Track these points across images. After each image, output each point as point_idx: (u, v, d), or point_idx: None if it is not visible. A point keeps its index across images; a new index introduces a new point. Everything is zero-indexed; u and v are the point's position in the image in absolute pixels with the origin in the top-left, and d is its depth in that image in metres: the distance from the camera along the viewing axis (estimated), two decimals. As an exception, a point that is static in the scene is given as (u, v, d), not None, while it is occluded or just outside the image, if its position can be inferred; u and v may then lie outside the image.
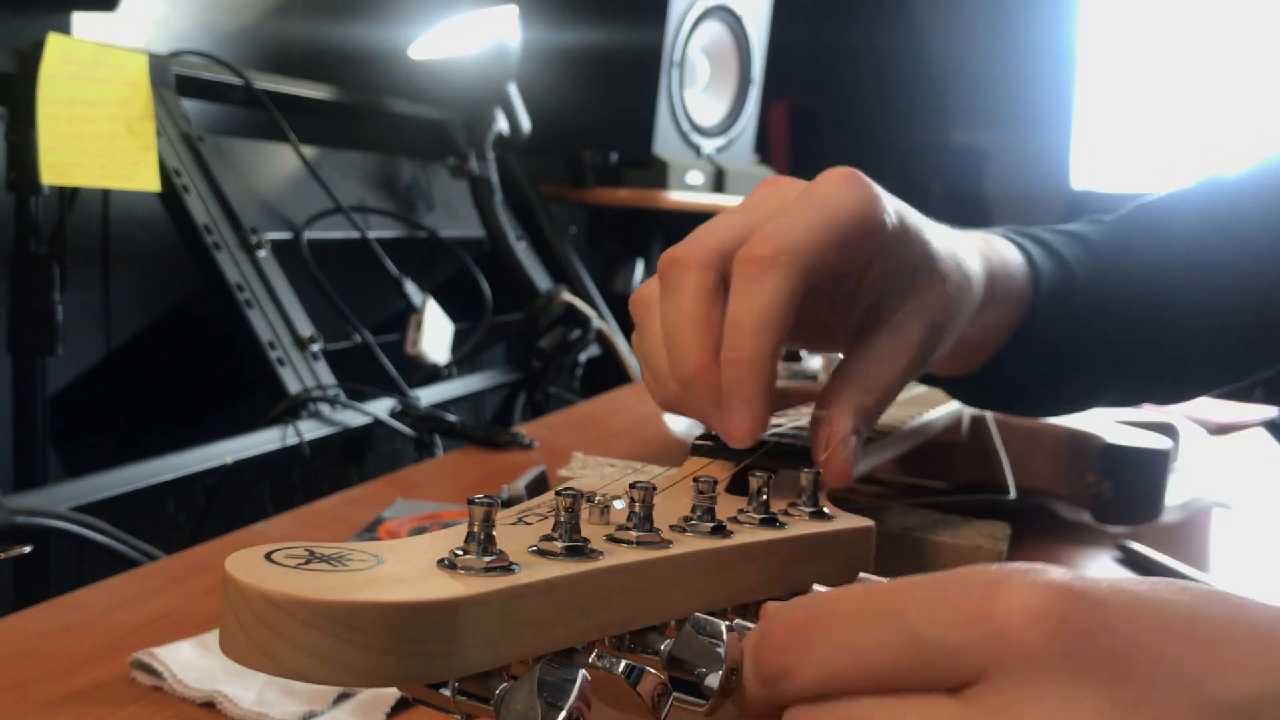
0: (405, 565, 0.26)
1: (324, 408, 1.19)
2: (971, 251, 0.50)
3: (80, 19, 1.42)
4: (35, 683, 0.46)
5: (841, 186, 0.42)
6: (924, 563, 0.48)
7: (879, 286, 0.44)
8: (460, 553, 0.27)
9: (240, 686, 0.45)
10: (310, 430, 1.15)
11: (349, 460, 1.23)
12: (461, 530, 0.28)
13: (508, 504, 0.32)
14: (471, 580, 0.26)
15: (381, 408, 1.22)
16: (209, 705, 0.45)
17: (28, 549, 0.81)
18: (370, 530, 0.66)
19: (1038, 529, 0.68)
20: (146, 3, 1.65)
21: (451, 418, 1.15)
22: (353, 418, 1.20)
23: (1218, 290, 0.60)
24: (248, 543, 0.64)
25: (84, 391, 1.50)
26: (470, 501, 0.27)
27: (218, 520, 1.02)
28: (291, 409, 1.16)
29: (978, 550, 0.48)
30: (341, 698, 0.46)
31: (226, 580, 0.24)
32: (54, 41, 1.11)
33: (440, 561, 0.27)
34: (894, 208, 0.43)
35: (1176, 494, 0.73)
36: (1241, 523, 0.79)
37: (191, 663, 0.47)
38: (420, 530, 0.66)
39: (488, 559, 0.26)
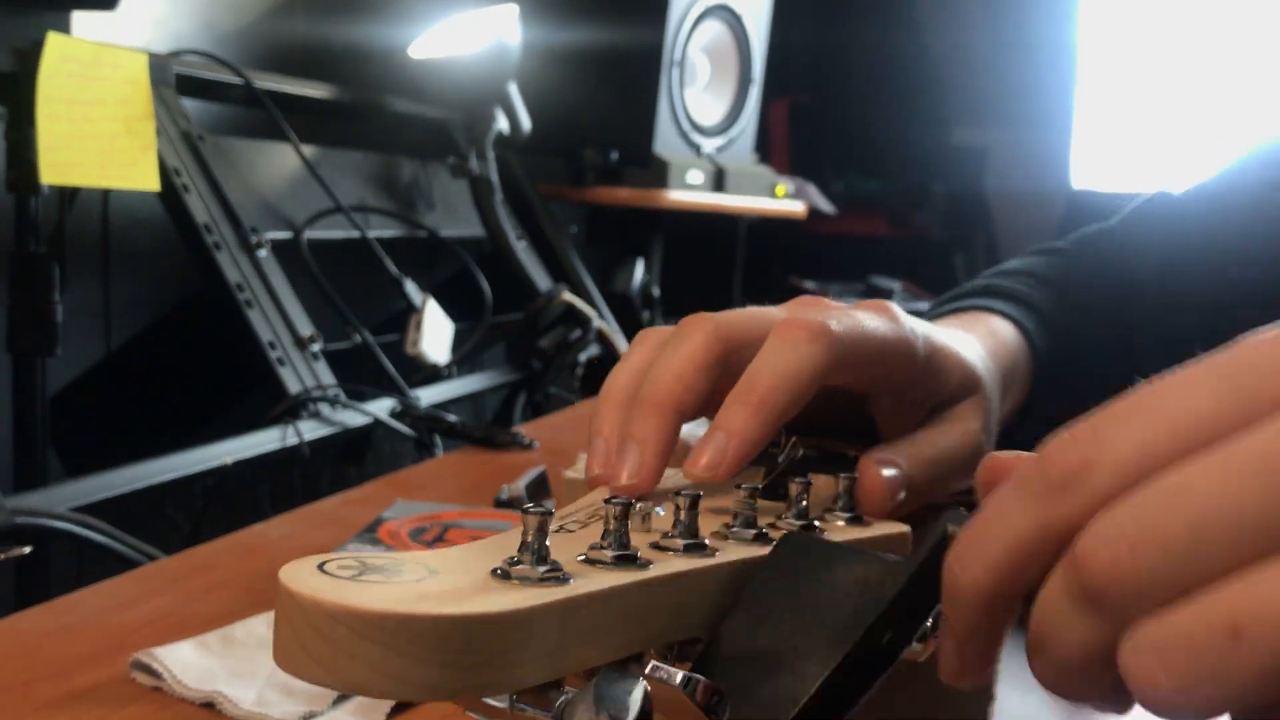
0: (459, 576, 0.26)
1: (324, 408, 1.19)
2: (988, 357, 0.50)
3: (80, 18, 1.42)
4: (35, 683, 0.46)
5: (877, 312, 0.41)
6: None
7: (928, 403, 0.44)
8: (514, 562, 0.27)
9: (240, 687, 0.45)
10: (310, 430, 1.15)
11: (349, 460, 1.23)
12: (510, 539, 0.27)
13: (509, 504, 0.32)
14: (528, 591, 0.26)
15: (381, 408, 1.22)
16: (209, 705, 0.45)
17: (28, 549, 0.81)
18: (370, 531, 0.66)
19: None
20: (146, 2, 1.65)
21: (451, 418, 1.15)
22: (353, 418, 1.20)
23: (1181, 314, 0.60)
24: (248, 544, 0.64)
25: (84, 391, 1.50)
26: (524, 511, 0.27)
27: (217, 521, 1.02)
28: (291, 409, 1.16)
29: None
30: (341, 698, 0.46)
31: (281, 591, 0.24)
32: (54, 41, 1.11)
33: (494, 572, 0.26)
34: (922, 334, 0.43)
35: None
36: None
37: (191, 663, 0.47)
38: (420, 531, 0.66)
39: (543, 569, 0.26)
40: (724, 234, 2.72)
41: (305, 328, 1.26)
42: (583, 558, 0.28)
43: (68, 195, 1.17)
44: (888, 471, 0.39)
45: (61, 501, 0.92)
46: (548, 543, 0.27)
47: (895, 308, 0.42)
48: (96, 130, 1.16)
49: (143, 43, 1.47)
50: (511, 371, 1.60)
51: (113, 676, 0.47)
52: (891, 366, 0.41)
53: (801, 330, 0.38)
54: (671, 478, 0.49)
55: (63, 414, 1.39)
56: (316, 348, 1.25)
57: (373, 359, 1.35)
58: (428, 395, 1.37)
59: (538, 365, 1.55)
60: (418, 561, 0.27)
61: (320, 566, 0.25)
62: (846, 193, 3.14)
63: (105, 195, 1.43)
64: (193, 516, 1.06)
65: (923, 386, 0.43)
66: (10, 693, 0.45)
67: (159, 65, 1.28)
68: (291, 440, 1.12)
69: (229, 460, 1.06)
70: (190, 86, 1.37)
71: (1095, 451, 0.22)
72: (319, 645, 0.24)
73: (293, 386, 1.19)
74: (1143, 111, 3.23)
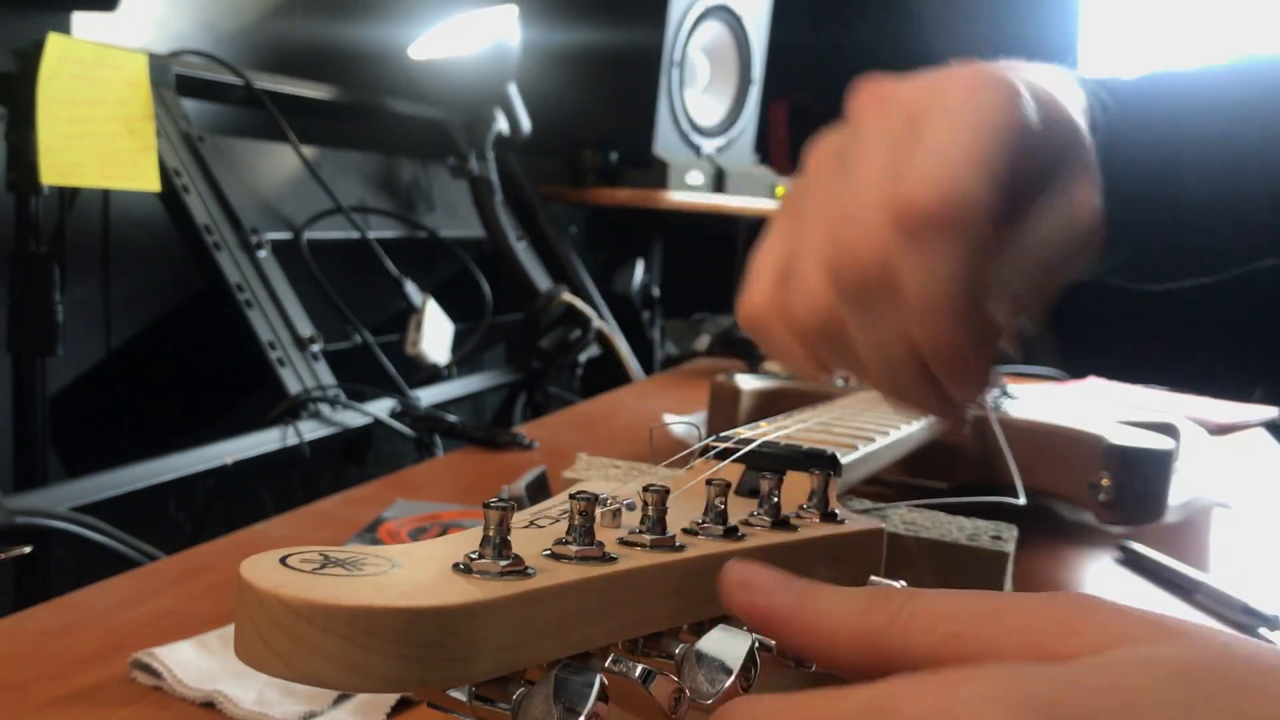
0: (420, 569, 0.26)
1: (324, 408, 1.19)
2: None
3: (80, 19, 1.42)
4: (35, 683, 0.46)
5: (997, 98, 0.33)
6: (933, 564, 0.48)
7: (1042, 178, 0.36)
8: (475, 556, 0.27)
9: (240, 686, 0.45)
10: (310, 430, 1.15)
11: (349, 460, 1.23)
12: (475, 534, 0.28)
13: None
14: (488, 584, 0.26)
15: (381, 408, 1.22)
16: (209, 705, 0.45)
17: (28, 549, 0.81)
18: (370, 530, 0.66)
19: (1039, 529, 0.68)
20: (146, 3, 1.65)
21: (451, 418, 1.15)
22: (353, 418, 1.20)
23: (1234, 172, 0.54)
24: (248, 543, 0.64)
25: (84, 391, 1.50)
26: (485, 505, 0.27)
27: (218, 520, 1.02)
28: (291, 409, 1.16)
29: (986, 552, 0.48)
30: (342, 698, 0.46)
31: (242, 585, 0.24)
32: (54, 41, 1.11)
33: (455, 565, 0.27)
34: (1030, 96, 0.34)
35: (1177, 494, 0.73)
36: (1241, 523, 0.79)
37: (191, 663, 0.47)
38: (420, 531, 0.66)
39: (503, 563, 0.26)
40: (724, 235, 2.72)
41: (305, 328, 1.26)
42: (548, 552, 0.29)
43: (68, 195, 1.18)
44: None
45: (61, 501, 0.92)
46: (510, 537, 0.27)
47: (1008, 83, 0.34)
48: (97, 131, 1.16)
49: (143, 43, 1.47)
50: (511, 372, 1.60)
51: (113, 676, 0.47)
52: (1015, 181, 0.33)
53: (939, 226, 0.30)
54: (631, 470, 0.49)
55: (63, 414, 1.39)
56: (316, 348, 1.25)
57: (373, 359, 1.35)
58: (428, 395, 1.37)
59: (538, 365, 1.55)
60: (380, 555, 0.27)
61: (282, 560, 0.25)
62: (846, 193, 3.14)
63: (105, 195, 1.43)
64: (193, 516, 1.06)
65: (1045, 154, 0.35)
66: (10, 692, 0.45)
67: (159, 66, 1.29)
68: (292, 440, 1.12)
69: (229, 460, 1.06)
70: (190, 87, 1.37)
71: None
72: (279, 639, 0.24)
73: (293, 386, 1.19)
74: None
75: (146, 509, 1.02)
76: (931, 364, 0.33)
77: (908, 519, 0.50)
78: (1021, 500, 0.64)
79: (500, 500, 0.27)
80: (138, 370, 1.57)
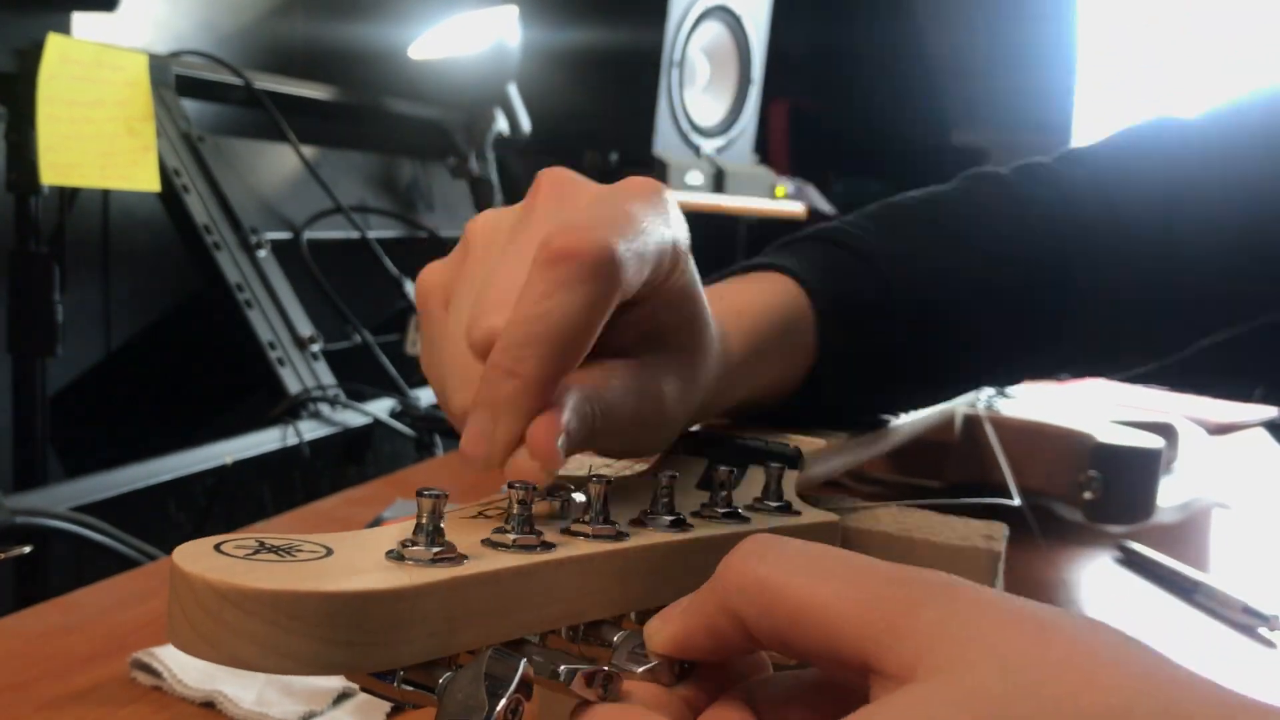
0: (354, 556, 0.27)
1: (324, 408, 1.19)
2: (740, 317, 0.43)
3: (80, 19, 1.42)
4: (35, 683, 0.46)
5: (645, 199, 0.34)
6: (921, 564, 0.48)
7: (643, 327, 0.36)
8: (408, 544, 0.27)
9: (240, 686, 0.45)
10: (310, 430, 1.15)
11: (349, 460, 1.23)
12: (411, 523, 0.28)
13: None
14: (417, 571, 0.26)
15: (381, 408, 1.22)
16: (209, 705, 0.45)
17: (28, 549, 0.81)
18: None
19: (1039, 529, 0.69)
20: (146, 3, 1.65)
21: (451, 418, 1.15)
22: (353, 418, 1.20)
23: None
24: (248, 543, 0.64)
25: (84, 391, 1.50)
26: (419, 494, 0.28)
27: (218, 520, 1.02)
28: (291, 409, 1.16)
29: (976, 551, 0.48)
30: (341, 698, 0.46)
31: (173, 569, 0.25)
32: (54, 41, 1.11)
33: (389, 553, 0.27)
34: (676, 239, 0.35)
35: (1176, 494, 0.73)
36: (1241, 523, 0.79)
37: (191, 663, 0.47)
38: (420, 530, 0.66)
39: (435, 550, 0.27)
40: (724, 235, 2.72)
41: (305, 328, 1.26)
42: (486, 541, 0.29)
43: (68, 195, 1.18)
44: (561, 421, 0.31)
45: (61, 501, 0.92)
46: (443, 524, 0.27)
47: (669, 197, 0.35)
48: (97, 131, 1.16)
49: (143, 43, 1.47)
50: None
51: (113, 676, 0.47)
52: (650, 279, 0.33)
53: (577, 265, 0.30)
54: (624, 469, 0.49)
55: (63, 414, 1.39)
56: (316, 348, 1.25)
57: (373, 359, 1.35)
58: (428, 395, 1.37)
59: (537, 365, 1.54)
60: (317, 542, 0.27)
61: (217, 547, 0.26)
62: (846, 193, 3.14)
63: (105, 195, 1.43)
64: (194, 516, 1.06)
65: (650, 305, 0.35)
66: (11, 692, 0.45)
67: (159, 66, 1.29)
68: (292, 440, 1.12)
69: (229, 460, 1.06)
70: (190, 87, 1.37)
71: None
72: (207, 623, 0.24)
73: (293, 386, 1.19)
74: (1143, 112, 3.23)
75: (146, 509, 1.02)
76: (490, 384, 0.31)
77: (899, 518, 0.50)
78: (1015, 500, 0.64)
79: (432, 489, 0.28)
80: (138, 370, 1.57)
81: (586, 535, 0.30)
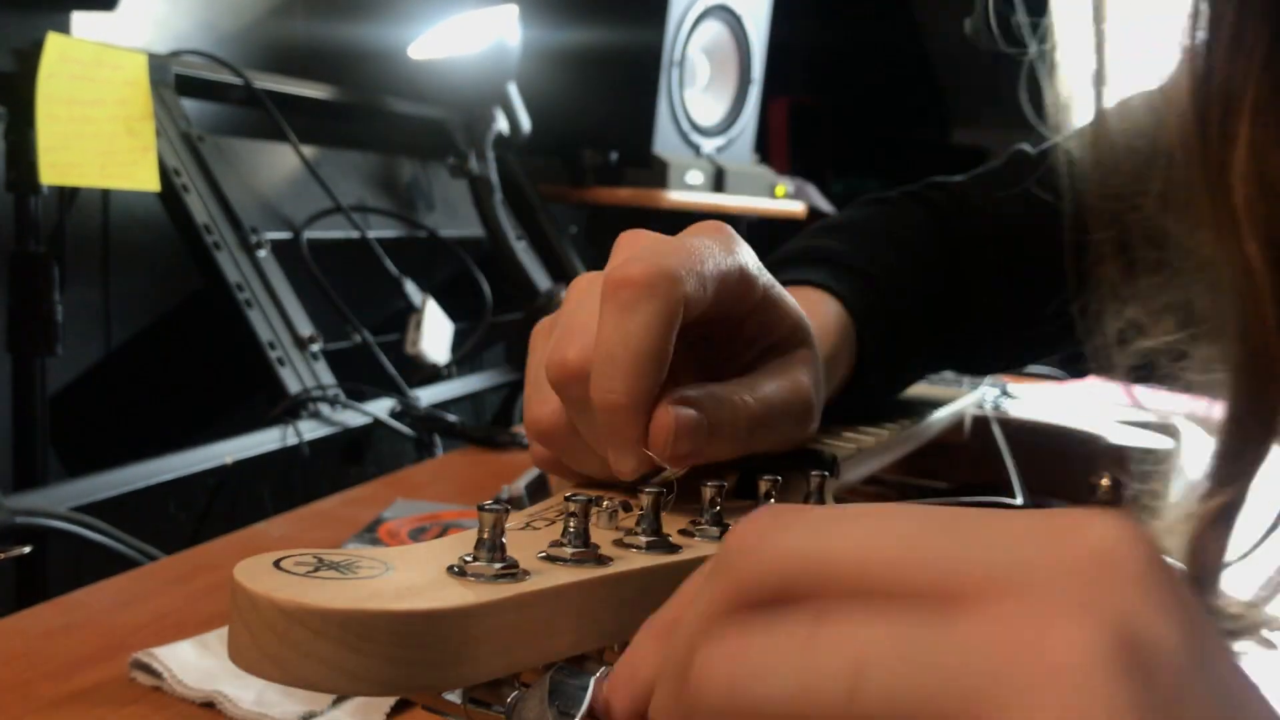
0: (414, 572, 0.26)
1: (324, 408, 1.19)
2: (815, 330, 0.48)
3: (80, 19, 1.42)
4: (35, 683, 0.46)
5: (713, 235, 0.39)
6: None
7: (759, 344, 0.41)
8: (470, 559, 0.27)
9: (240, 687, 0.45)
10: (310, 430, 1.15)
11: (349, 460, 1.23)
12: (469, 536, 0.27)
13: (509, 504, 0.32)
14: (481, 588, 0.26)
15: (381, 408, 1.22)
16: (209, 705, 0.45)
17: (28, 549, 0.81)
18: (370, 530, 0.66)
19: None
20: (146, 3, 1.65)
21: (451, 418, 1.15)
22: (353, 418, 1.20)
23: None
24: (248, 543, 0.64)
25: (84, 391, 1.50)
26: (480, 508, 0.27)
27: (218, 520, 1.02)
28: (291, 409, 1.16)
29: None
30: (341, 698, 0.46)
31: (235, 588, 0.24)
32: (54, 41, 1.11)
33: (450, 568, 0.27)
34: (757, 265, 0.40)
35: (1176, 494, 0.73)
36: (1241, 522, 0.79)
37: (191, 663, 0.47)
38: (420, 530, 0.66)
39: (498, 566, 0.26)
40: (724, 234, 2.72)
41: (305, 328, 1.26)
42: (543, 555, 0.28)
43: (68, 195, 1.18)
44: (682, 412, 0.35)
45: (61, 501, 0.92)
46: (504, 539, 0.27)
47: (732, 232, 0.40)
48: (96, 130, 1.16)
49: (143, 43, 1.47)
50: (511, 371, 1.60)
51: (113, 676, 0.47)
52: (728, 296, 0.38)
53: (636, 287, 0.34)
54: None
55: (63, 414, 1.39)
56: (316, 348, 1.25)
57: (373, 359, 1.35)
58: (428, 395, 1.37)
59: (538, 365, 1.54)
60: (375, 558, 0.27)
61: (276, 563, 0.25)
62: (846, 193, 3.14)
63: (105, 195, 1.43)
64: (193, 516, 1.06)
65: (754, 322, 0.40)
66: (11, 692, 0.45)
67: (159, 66, 1.29)
68: (291, 440, 1.12)
69: (229, 460, 1.06)
70: (190, 87, 1.37)
71: (757, 540, 0.21)
72: (274, 643, 0.24)
73: (293, 386, 1.19)
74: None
75: (146, 509, 1.02)
76: (598, 418, 0.35)
77: None
78: (1019, 500, 0.64)
79: (495, 503, 0.27)
80: (137, 370, 1.57)
81: (640, 548, 0.30)
